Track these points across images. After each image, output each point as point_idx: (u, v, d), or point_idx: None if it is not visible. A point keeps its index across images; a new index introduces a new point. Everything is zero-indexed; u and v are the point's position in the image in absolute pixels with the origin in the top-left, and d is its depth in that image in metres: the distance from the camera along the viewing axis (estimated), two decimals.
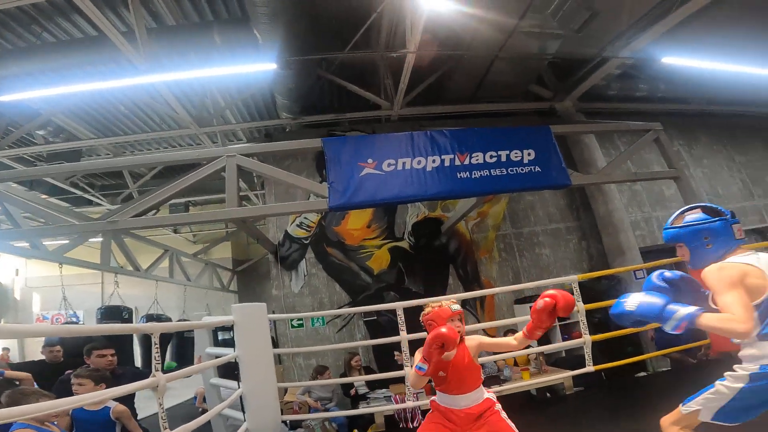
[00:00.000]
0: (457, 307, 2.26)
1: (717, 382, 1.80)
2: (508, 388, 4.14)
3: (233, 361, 3.32)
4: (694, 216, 1.92)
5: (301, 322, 5.89)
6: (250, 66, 5.07)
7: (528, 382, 4.51)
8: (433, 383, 2.19)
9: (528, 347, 4.57)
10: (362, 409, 4.35)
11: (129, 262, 5.93)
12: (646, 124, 5.68)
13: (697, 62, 6.21)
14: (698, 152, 8.29)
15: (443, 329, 1.89)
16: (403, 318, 3.83)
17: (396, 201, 4.91)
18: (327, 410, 4.60)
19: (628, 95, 7.89)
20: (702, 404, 1.80)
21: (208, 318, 5.34)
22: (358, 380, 4.76)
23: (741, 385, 1.72)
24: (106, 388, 2.62)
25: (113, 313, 6.26)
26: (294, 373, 5.78)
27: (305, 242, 6.24)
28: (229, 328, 3.50)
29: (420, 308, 2.33)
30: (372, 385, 4.87)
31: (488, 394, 2.22)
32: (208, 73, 5.21)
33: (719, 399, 1.77)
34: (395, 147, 4.79)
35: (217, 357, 3.49)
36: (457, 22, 5.19)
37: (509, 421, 2.12)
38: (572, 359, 5.15)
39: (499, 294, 6.36)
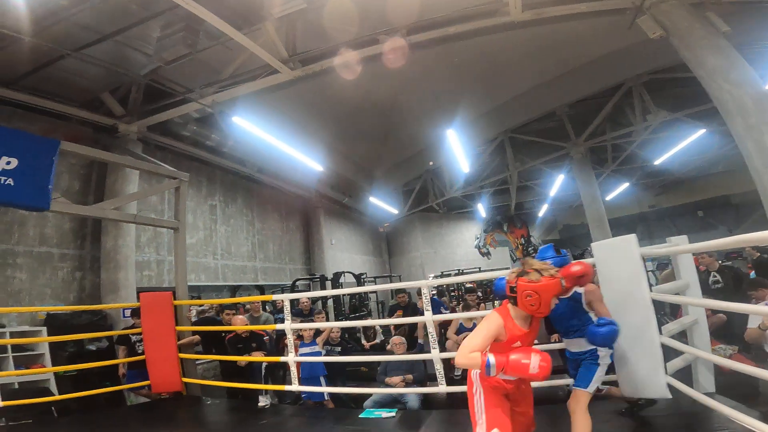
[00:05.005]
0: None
1: (599, 364, 2.62)
2: None
3: None
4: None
5: None
6: None
7: None
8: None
9: None
10: None
11: None
12: (176, 171, 6.01)
13: (260, 131, 7.18)
14: (231, 211, 9.69)
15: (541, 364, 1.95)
16: None
17: None
18: None
19: (200, 141, 8.33)
20: (597, 381, 2.60)
21: None
22: None
23: (609, 360, 2.68)
24: None
25: None
26: None
27: None
28: None
29: None
30: None
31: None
32: None
33: (602, 374, 2.64)
34: None
35: None
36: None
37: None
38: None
39: None
